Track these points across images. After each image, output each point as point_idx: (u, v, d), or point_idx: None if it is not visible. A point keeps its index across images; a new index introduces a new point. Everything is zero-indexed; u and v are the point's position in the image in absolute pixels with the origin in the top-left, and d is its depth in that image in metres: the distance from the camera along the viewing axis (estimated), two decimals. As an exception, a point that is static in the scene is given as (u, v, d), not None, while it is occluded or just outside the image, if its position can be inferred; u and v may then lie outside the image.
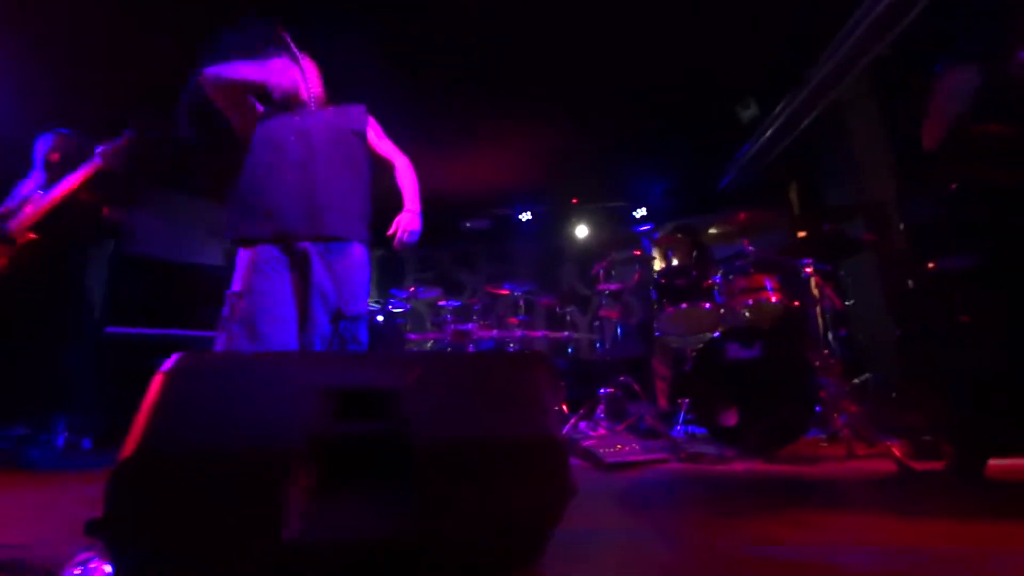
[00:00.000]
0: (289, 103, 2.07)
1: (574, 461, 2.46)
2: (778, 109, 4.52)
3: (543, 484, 0.89)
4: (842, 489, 1.86)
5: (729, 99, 4.64)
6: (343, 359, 1.15)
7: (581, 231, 6.99)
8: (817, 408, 2.60)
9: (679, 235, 3.89)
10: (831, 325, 3.36)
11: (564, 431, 3.26)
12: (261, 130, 2.03)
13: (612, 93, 4.58)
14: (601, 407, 3.48)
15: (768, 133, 4.74)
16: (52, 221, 2.61)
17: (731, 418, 2.64)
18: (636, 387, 3.60)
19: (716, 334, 2.88)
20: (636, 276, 4.09)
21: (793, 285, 3.19)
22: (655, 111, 4.82)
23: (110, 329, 3.47)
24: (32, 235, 2.58)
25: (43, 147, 2.78)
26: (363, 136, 2.15)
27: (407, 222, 2.08)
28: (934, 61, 1.88)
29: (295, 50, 2.00)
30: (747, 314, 3.11)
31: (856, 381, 3.30)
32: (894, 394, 3.11)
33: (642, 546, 1.19)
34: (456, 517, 0.84)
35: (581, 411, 3.53)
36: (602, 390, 3.52)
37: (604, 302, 4.37)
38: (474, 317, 4.57)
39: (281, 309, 1.81)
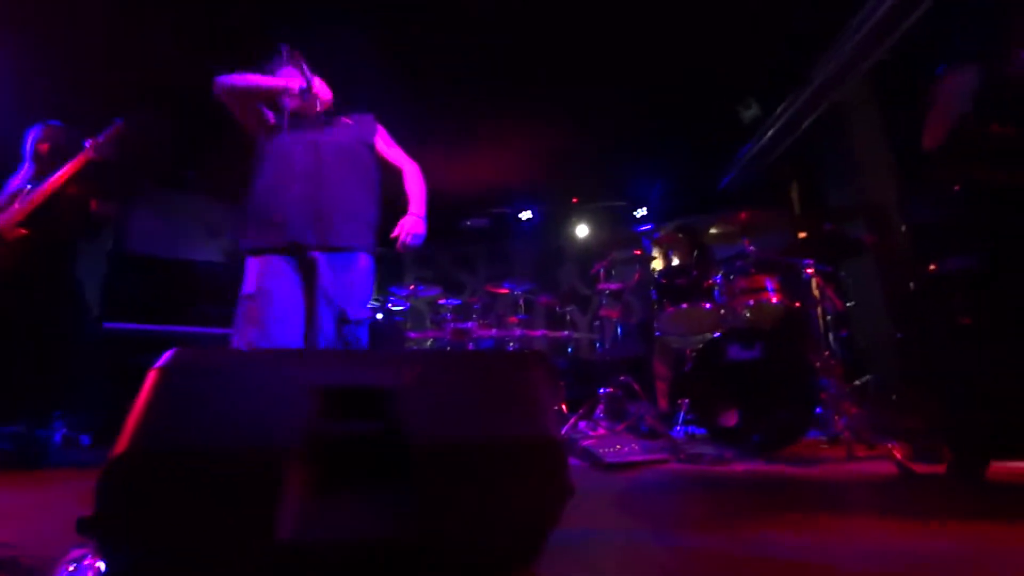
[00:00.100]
0: (300, 113, 2.12)
1: (573, 461, 2.45)
2: (780, 109, 4.51)
3: (542, 484, 0.89)
4: (842, 491, 1.85)
5: (730, 99, 4.63)
6: (341, 357, 1.14)
7: (581, 230, 6.98)
8: (817, 409, 2.60)
9: (680, 235, 3.88)
10: (832, 326, 3.35)
11: (563, 431, 3.25)
12: (272, 141, 2.08)
13: (613, 92, 4.57)
14: (601, 407, 3.47)
15: (770, 133, 4.73)
16: (42, 215, 2.53)
17: (731, 419, 2.63)
18: (636, 387, 3.59)
19: (716, 334, 2.87)
20: (636, 276, 4.08)
21: (794, 286, 3.18)
22: (656, 110, 4.81)
23: (108, 325, 3.46)
24: (22, 230, 2.51)
25: (32, 139, 2.71)
26: (372, 146, 2.21)
27: (411, 225, 2.12)
28: (935, 63, 1.87)
29: (306, 68, 2.02)
30: (748, 315, 3.10)
31: (857, 383, 3.29)
32: (894, 396, 3.11)
33: (641, 546, 1.18)
34: (453, 517, 0.84)
35: (581, 411, 3.52)
36: (602, 390, 3.52)
37: (604, 302, 4.36)
38: (474, 316, 4.56)
39: (289, 312, 1.89)
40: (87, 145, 2.59)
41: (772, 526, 1.31)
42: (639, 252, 4.18)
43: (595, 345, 5.72)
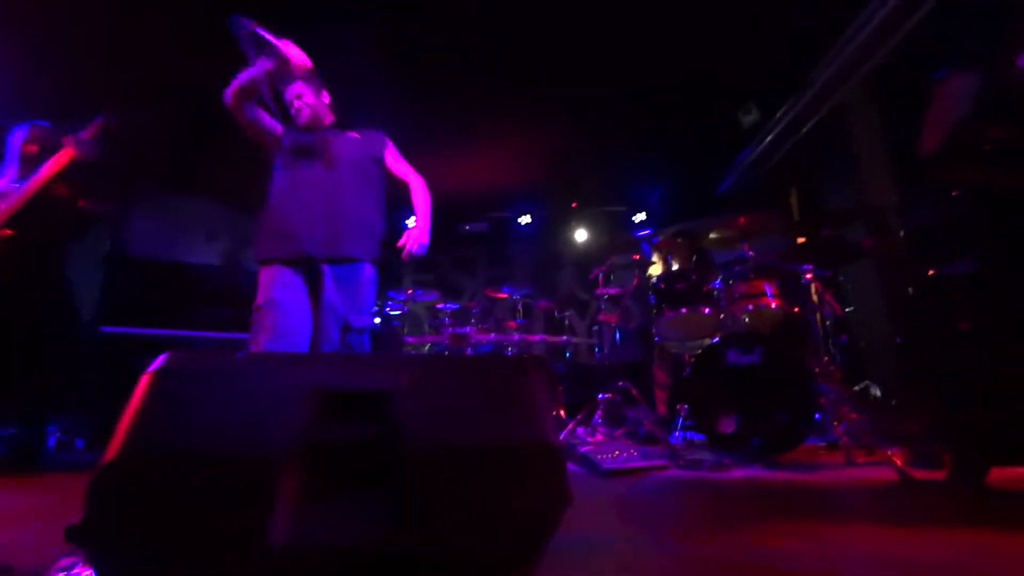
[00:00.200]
0: (310, 127, 2.24)
1: (572, 467, 2.44)
2: (779, 114, 4.52)
3: (540, 490, 0.87)
4: (841, 497, 1.84)
5: (729, 103, 4.65)
6: (336, 361, 1.13)
7: (580, 235, 6.98)
8: (817, 415, 2.59)
9: (679, 240, 3.88)
10: (831, 331, 3.35)
11: (562, 436, 3.24)
12: (284, 155, 2.19)
13: (612, 96, 4.58)
14: (599, 412, 3.46)
15: (769, 138, 4.74)
16: (27, 216, 2.48)
17: (730, 424, 2.62)
18: (634, 392, 3.58)
19: (715, 339, 2.87)
20: (635, 280, 4.07)
21: (793, 291, 3.18)
22: (655, 114, 4.82)
23: (105, 328, 3.45)
24: (7, 231, 2.46)
25: (19, 139, 2.67)
26: (381, 161, 2.33)
27: (417, 235, 2.21)
28: (935, 66, 1.87)
29: (269, 37, 1.97)
30: (747, 319, 3.09)
31: (856, 388, 3.28)
32: (894, 401, 3.10)
33: (641, 552, 1.17)
34: (450, 523, 0.82)
35: (579, 416, 3.51)
36: (600, 395, 3.50)
37: (603, 306, 4.36)
38: (472, 320, 4.55)
39: (298, 321, 1.99)
40: (68, 140, 2.53)
41: (771, 532, 1.30)
42: (638, 257, 4.17)
43: (594, 350, 5.71)
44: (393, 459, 0.82)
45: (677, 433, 3.07)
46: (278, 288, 1.99)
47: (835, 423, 2.62)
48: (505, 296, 4.80)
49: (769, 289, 3.02)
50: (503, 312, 5.75)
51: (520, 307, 4.78)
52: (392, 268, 7.06)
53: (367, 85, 3.79)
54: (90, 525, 0.70)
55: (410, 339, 5.04)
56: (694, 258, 3.77)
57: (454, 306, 4.64)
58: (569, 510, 0.88)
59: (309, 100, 2.27)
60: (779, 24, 3.70)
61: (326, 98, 2.35)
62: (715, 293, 3.16)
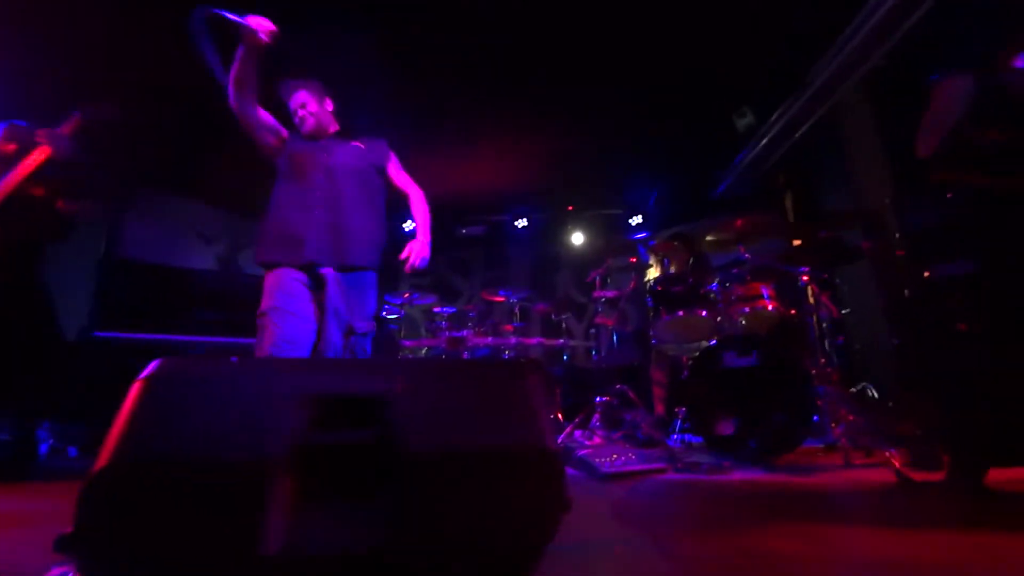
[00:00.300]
0: (314, 135, 2.27)
1: (570, 471, 2.43)
2: (775, 116, 4.53)
3: (537, 495, 0.87)
4: (840, 499, 1.83)
5: (726, 105, 4.66)
6: (330, 365, 1.12)
7: (577, 238, 6.98)
8: (814, 417, 2.58)
9: (676, 242, 3.88)
10: (827, 333, 3.35)
11: (559, 440, 3.23)
12: (288, 162, 2.22)
13: (608, 99, 4.59)
14: (597, 415, 3.45)
15: (765, 140, 4.75)
16: (3, 216, 2.41)
17: (728, 427, 2.61)
18: (632, 395, 3.58)
19: (713, 342, 2.87)
20: (632, 283, 4.07)
21: (790, 293, 3.19)
22: (652, 117, 4.83)
23: (99, 333, 3.42)
24: None
25: None
26: (383, 171, 2.38)
27: (419, 249, 2.26)
28: (931, 69, 1.88)
29: (232, 18, 1.92)
30: (744, 322, 3.10)
31: (853, 389, 3.29)
32: (891, 403, 3.10)
33: (640, 555, 1.16)
34: (447, 528, 0.82)
35: (577, 419, 3.50)
36: (598, 398, 3.50)
37: (600, 309, 4.35)
38: (469, 324, 4.54)
39: (302, 325, 2.02)
40: (39, 137, 2.46)
41: (770, 535, 1.29)
42: (635, 260, 4.18)
43: (591, 353, 5.71)
44: (389, 464, 0.81)
45: (675, 436, 3.07)
46: (283, 294, 2.02)
47: (833, 425, 2.62)
48: (502, 299, 4.79)
49: (766, 291, 3.02)
50: (500, 315, 5.73)
51: (517, 310, 4.77)
52: (390, 272, 7.04)
53: (363, 91, 3.79)
54: (81, 534, 0.69)
55: (407, 343, 5.02)
56: (691, 261, 3.77)
57: (451, 310, 4.62)
58: (567, 514, 0.87)
59: (313, 109, 2.29)
60: (775, 26, 3.72)
61: (329, 106, 2.37)
62: (712, 296, 3.16)
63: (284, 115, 2.31)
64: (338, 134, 2.37)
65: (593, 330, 5.80)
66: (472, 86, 4.29)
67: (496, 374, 0.98)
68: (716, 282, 3.17)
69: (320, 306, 2.06)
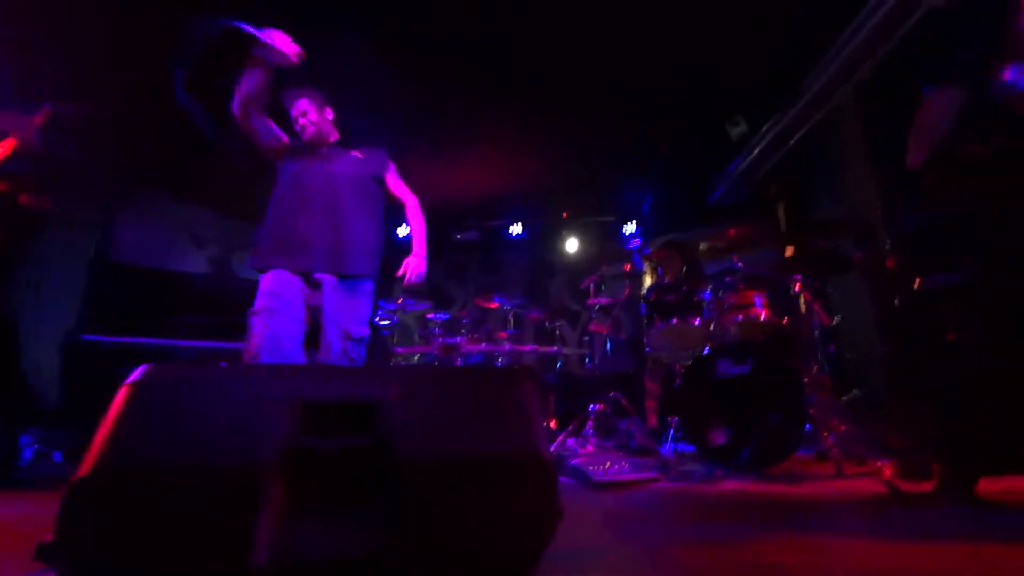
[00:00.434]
0: (314, 143, 2.28)
1: (563, 479, 2.42)
2: (769, 124, 4.58)
3: (532, 502, 0.86)
4: (832, 509, 1.83)
5: (720, 113, 4.70)
6: (322, 372, 1.11)
7: (571, 245, 6.99)
8: (807, 426, 2.59)
9: (670, 250, 3.90)
10: (820, 341, 3.37)
11: (552, 448, 3.21)
12: (288, 168, 2.23)
13: (603, 106, 4.61)
14: (590, 423, 3.44)
15: (758, 148, 4.80)
16: None
17: (720, 436, 2.61)
18: (625, 403, 3.57)
19: (706, 350, 2.87)
20: (626, 291, 4.08)
21: (782, 301, 3.20)
22: (646, 124, 4.86)
23: (87, 336, 3.37)
24: None
25: None
26: (382, 180, 2.41)
27: (415, 265, 2.32)
28: (922, 79, 1.90)
29: (255, 33, 1.95)
30: (736, 330, 3.10)
31: (845, 398, 3.30)
32: (882, 411, 3.11)
33: (631, 566, 1.15)
34: (442, 535, 0.81)
35: (570, 427, 3.49)
36: (591, 406, 3.49)
37: (594, 316, 4.35)
38: (463, 330, 4.53)
39: (291, 325, 2.01)
40: (4, 122, 2.40)
41: (762, 544, 1.28)
42: (629, 267, 4.19)
43: (584, 360, 5.70)
44: (381, 472, 0.80)
45: (668, 444, 3.06)
46: (276, 295, 2.02)
47: (824, 434, 2.62)
48: (496, 306, 4.79)
49: (759, 300, 3.03)
50: (494, 322, 5.73)
51: (511, 317, 4.77)
52: (384, 276, 7.01)
53: (357, 95, 3.79)
54: (63, 542, 0.67)
55: (400, 349, 5.00)
56: (684, 269, 3.78)
57: (444, 316, 4.61)
58: (561, 522, 0.86)
59: (313, 117, 2.30)
60: (769, 35, 3.76)
61: (330, 115, 2.39)
62: (705, 304, 3.17)
63: (283, 122, 2.32)
64: (338, 143, 2.39)
65: (587, 337, 5.79)
66: (467, 91, 4.30)
67: (490, 381, 0.98)
68: (709, 290, 3.18)
69: (312, 309, 2.06)
